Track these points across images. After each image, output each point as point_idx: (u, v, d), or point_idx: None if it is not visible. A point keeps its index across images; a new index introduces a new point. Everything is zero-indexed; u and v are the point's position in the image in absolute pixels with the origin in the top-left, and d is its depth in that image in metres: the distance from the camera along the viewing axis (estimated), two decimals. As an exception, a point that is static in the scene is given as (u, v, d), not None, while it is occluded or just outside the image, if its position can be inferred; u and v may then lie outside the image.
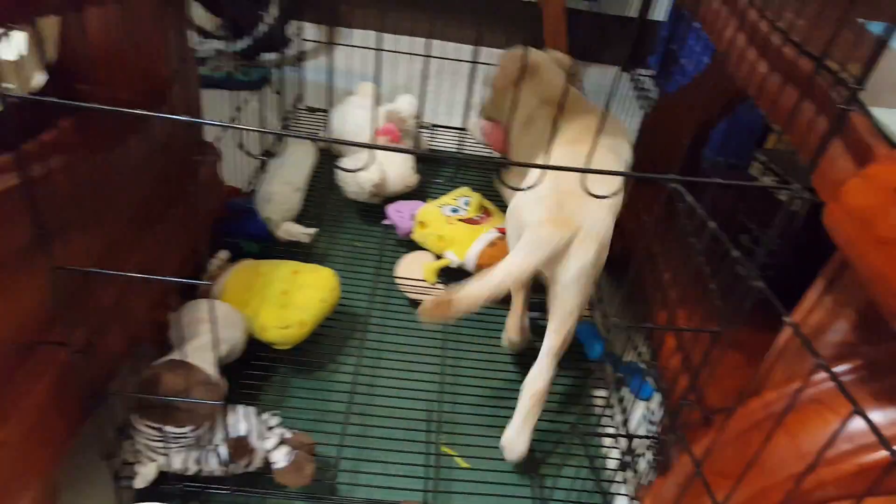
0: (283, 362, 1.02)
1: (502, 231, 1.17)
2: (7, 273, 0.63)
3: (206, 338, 0.86)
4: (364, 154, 1.31)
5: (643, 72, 1.95)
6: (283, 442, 0.81)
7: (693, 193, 0.62)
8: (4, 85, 0.98)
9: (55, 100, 0.55)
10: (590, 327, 1.05)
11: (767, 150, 1.02)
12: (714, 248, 1.13)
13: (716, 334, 0.61)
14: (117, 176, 0.80)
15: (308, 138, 0.98)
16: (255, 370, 0.98)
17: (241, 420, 0.81)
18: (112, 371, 0.79)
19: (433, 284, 1.16)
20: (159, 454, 0.76)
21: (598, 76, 1.51)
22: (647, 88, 1.91)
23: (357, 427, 0.94)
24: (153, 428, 0.74)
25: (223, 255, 1.06)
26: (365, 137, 1.36)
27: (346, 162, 1.28)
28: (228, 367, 0.94)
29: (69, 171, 0.72)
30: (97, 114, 0.81)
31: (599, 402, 1.03)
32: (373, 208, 1.35)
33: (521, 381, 1.02)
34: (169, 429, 0.73)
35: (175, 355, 0.81)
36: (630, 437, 0.75)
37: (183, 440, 0.75)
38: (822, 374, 0.50)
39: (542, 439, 0.95)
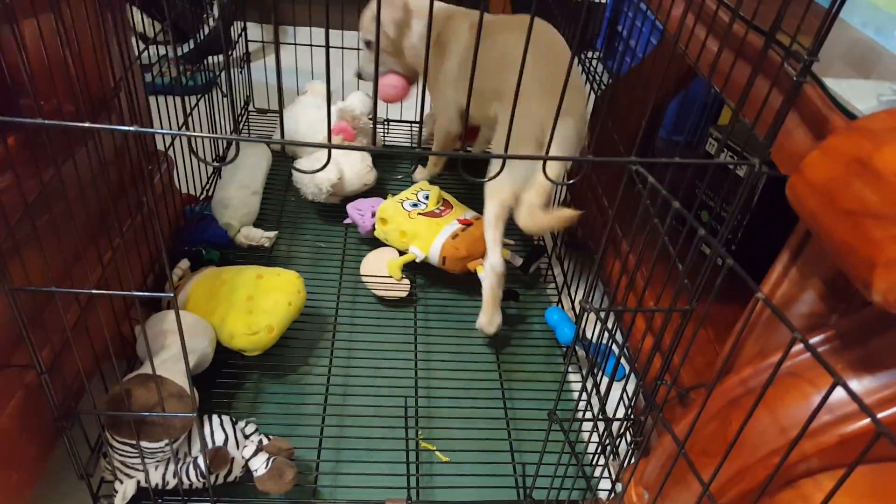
0: (254, 369, 1.00)
1: (463, 223, 1.17)
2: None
3: (174, 349, 0.84)
4: (320, 154, 1.29)
5: (590, 54, 1.99)
6: (261, 449, 0.80)
7: (653, 173, 0.64)
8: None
9: (7, 118, 0.52)
10: (560, 312, 1.07)
11: (721, 127, 1.06)
12: (677, 227, 1.17)
13: (686, 313, 0.63)
14: (68, 190, 0.77)
15: (266, 141, 0.96)
16: (226, 378, 0.96)
17: (217, 429, 0.79)
18: (80, 389, 0.76)
19: (399, 280, 1.15)
20: (137, 470, 0.74)
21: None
22: (595, 71, 1.95)
23: (334, 429, 0.93)
24: (128, 444, 0.71)
25: (184, 264, 1.04)
26: (319, 137, 1.34)
27: (302, 163, 1.26)
28: (199, 378, 0.92)
29: (18, 190, 0.68)
30: (44, 128, 0.78)
31: (575, 386, 1.06)
32: (332, 208, 1.34)
33: (493, 373, 1.04)
34: (144, 444, 0.71)
35: (144, 369, 0.78)
36: (608, 419, 0.77)
37: (160, 454, 0.73)
38: (797, 347, 0.52)
39: (521, 427, 0.96)
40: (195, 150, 0.53)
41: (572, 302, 1.13)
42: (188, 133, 0.52)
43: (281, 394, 0.97)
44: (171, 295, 0.59)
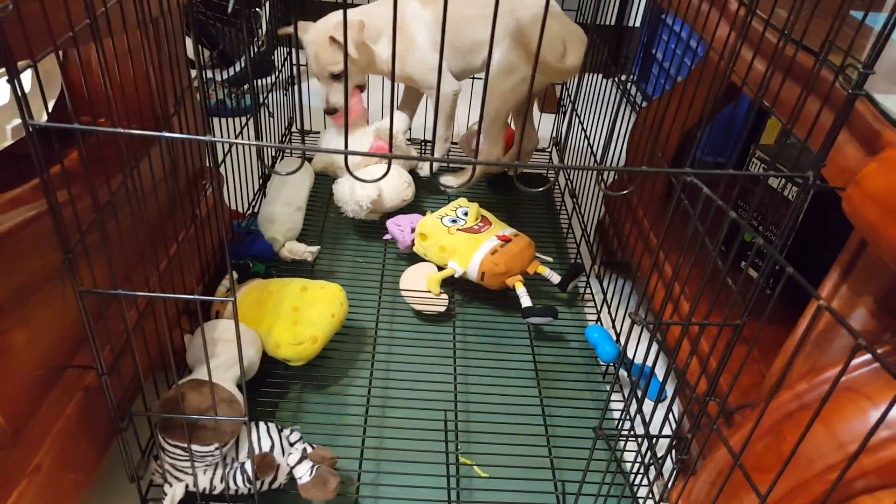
0: (297, 379, 1.02)
1: (502, 239, 1.19)
2: (36, 299, 0.63)
3: (223, 357, 0.86)
4: (361, 174, 1.32)
5: (625, 77, 2.01)
6: (305, 457, 0.81)
7: (692, 196, 0.64)
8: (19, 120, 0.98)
9: (83, 127, 0.56)
10: (600, 330, 1.07)
11: (765, 146, 1.06)
12: (720, 247, 1.17)
13: (736, 328, 0.63)
14: (131, 201, 0.81)
15: (328, 151, 0.99)
16: (270, 387, 0.99)
17: (264, 436, 0.81)
18: (135, 393, 0.79)
19: (437, 295, 1.17)
20: (186, 474, 0.76)
21: (581, 84, 1.56)
22: (632, 93, 1.97)
23: (375, 440, 0.94)
24: (179, 447, 0.73)
25: (231, 276, 1.07)
26: (356, 157, 1.37)
27: (339, 184, 1.30)
28: (243, 388, 0.94)
29: (88, 198, 0.72)
30: (105, 143, 0.82)
31: (615, 405, 1.05)
32: (371, 225, 1.37)
33: (533, 389, 1.04)
34: (195, 447, 0.73)
35: (196, 375, 0.81)
36: (653, 437, 0.76)
37: (209, 458, 0.75)
38: (854, 362, 0.52)
39: (561, 444, 0.96)
40: (263, 158, 0.56)
41: (613, 320, 1.13)
42: (245, 142, 0.55)
43: (322, 404, 0.98)
44: (232, 299, 0.62)
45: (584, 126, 1.41)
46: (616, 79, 1.83)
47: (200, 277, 1.03)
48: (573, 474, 0.91)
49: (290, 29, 1.31)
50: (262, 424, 0.82)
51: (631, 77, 2.14)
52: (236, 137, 1.23)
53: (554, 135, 1.67)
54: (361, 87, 1.39)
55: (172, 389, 0.75)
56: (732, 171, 0.52)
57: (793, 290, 0.58)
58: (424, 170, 1.48)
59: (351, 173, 0.60)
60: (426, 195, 1.47)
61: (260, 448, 0.79)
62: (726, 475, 0.55)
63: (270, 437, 0.81)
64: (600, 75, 1.57)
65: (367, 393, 1.00)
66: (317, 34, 1.25)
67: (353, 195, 1.28)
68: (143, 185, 0.84)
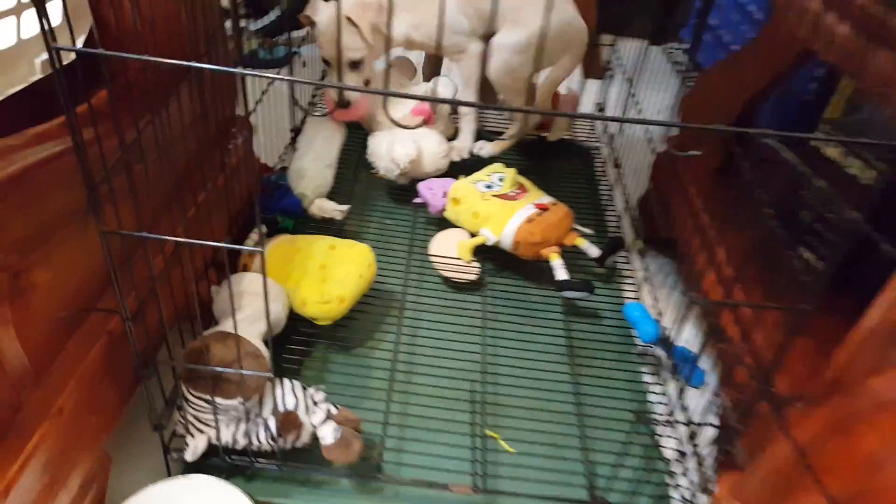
0: (322, 338, 0.99)
1: (539, 207, 1.14)
2: (60, 239, 0.61)
3: (250, 311, 0.84)
4: (399, 131, 1.28)
5: (675, 45, 1.91)
6: (329, 417, 0.79)
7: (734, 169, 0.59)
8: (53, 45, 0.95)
9: (118, 54, 0.52)
10: (641, 308, 1.02)
11: (834, 121, 0.99)
12: (776, 224, 1.10)
13: (800, 313, 0.58)
14: (160, 143, 0.78)
15: (366, 91, 0.95)
16: (296, 345, 0.96)
17: (289, 393, 0.78)
18: (160, 341, 0.77)
19: (468, 262, 1.13)
20: (209, 426, 0.74)
21: (629, 50, 1.49)
22: (681, 62, 1.88)
23: (399, 405, 0.91)
24: (203, 399, 0.71)
25: (259, 230, 1.04)
26: (398, 116, 1.33)
27: (377, 139, 1.25)
28: (269, 343, 0.91)
29: (115, 137, 0.69)
30: (134, 83, 0.78)
31: (654, 388, 1.01)
32: (402, 188, 1.32)
33: (564, 366, 1.00)
34: (219, 400, 0.71)
35: (221, 327, 0.78)
36: (699, 424, 0.72)
37: (232, 412, 0.73)
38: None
39: (592, 425, 0.92)
40: (296, 99, 0.52)
41: (655, 299, 1.08)
42: (288, 79, 0.51)
43: (348, 366, 0.96)
44: (261, 250, 0.58)
45: (633, 91, 1.34)
46: (665, 46, 1.74)
47: (228, 228, 1.00)
48: (605, 457, 0.88)
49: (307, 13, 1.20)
50: (286, 381, 0.80)
51: (682, 45, 2.04)
52: (267, 87, 1.19)
53: (598, 101, 1.60)
54: (367, 81, 1.29)
55: (198, 340, 0.73)
56: (818, 136, 0.47)
57: (847, 277, 0.53)
58: (485, 149, 1.40)
59: (392, 120, 0.55)
60: (461, 162, 1.42)
61: (284, 405, 0.77)
62: (785, 473, 0.51)
63: (295, 394, 0.78)
64: (647, 42, 1.50)
65: (393, 358, 0.97)
66: (332, 17, 1.15)
67: (390, 151, 1.23)
68: (172, 128, 0.81)
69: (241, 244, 1.02)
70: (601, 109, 1.59)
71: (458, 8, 1.24)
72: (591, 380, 0.99)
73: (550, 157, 1.47)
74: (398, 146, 1.22)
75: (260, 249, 0.58)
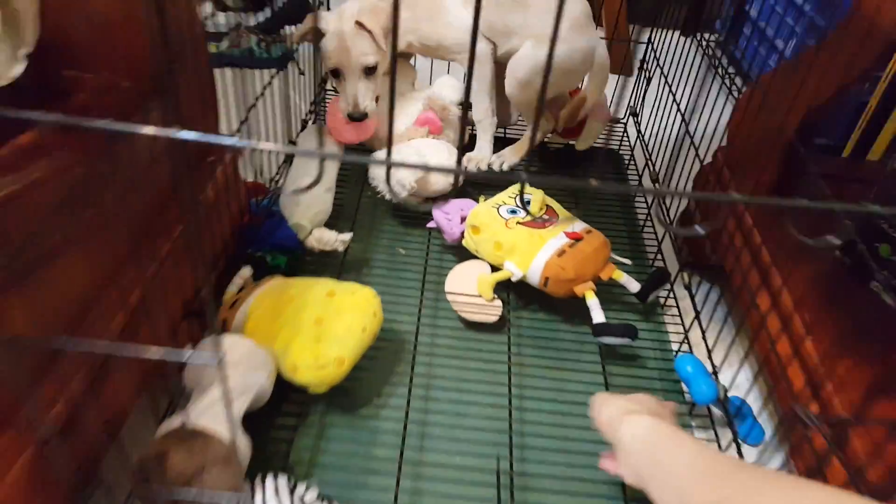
0: (317, 403, 0.85)
1: (572, 237, 0.98)
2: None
3: (229, 385, 0.69)
4: (404, 148, 1.12)
5: (709, 37, 1.72)
6: (324, 524, 0.64)
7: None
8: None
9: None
10: (695, 362, 0.86)
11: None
12: (842, 259, 0.93)
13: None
14: (113, 184, 0.63)
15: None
16: (282, 416, 0.81)
17: (272, 499, 0.64)
18: (118, 425, 0.62)
19: (490, 301, 0.97)
20: (169, 550, 0.60)
21: (660, 44, 1.31)
22: (717, 56, 1.69)
23: (411, 483, 0.77)
24: (160, 520, 0.57)
25: (245, 272, 0.89)
26: (402, 129, 1.17)
27: (379, 157, 1.09)
28: (253, 417, 0.77)
29: (54, 182, 0.54)
30: (83, 108, 0.63)
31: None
32: (412, 212, 1.17)
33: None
34: (180, 523, 0.56)
35: (188, 414, 0.64)
36: None
37: (199, 534, 0.59)
38: None
39: (643, 498, 0.77)
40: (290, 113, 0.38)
41: (707, 347, 0.91)
42: (252, 144, 0.35)
43: (347, 442, 0.81)
44: (215, 362, 0.43)
45: (672, 88, 1.16)
46: (699, 39, 1.57)
47: (208, 272, 0.85)
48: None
49: (309, 24, 1.09)
50: (269, 482, 0.65)
51: (717, 38, 1.85)
52: (258, 97, 1.03)
53: (632, 103, 1.43)
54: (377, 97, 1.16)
55: (152, 446, 0.58)
56: None
57: None
58: (507, 160, 1.25)
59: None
60: (479, 178, 1.25)
61: (265, 515, 0.62)
62: None
63: (279, 500, 0.64)
64: (678, 33, 1.31)
65: (403, 427, 0.82)
66: (344, 22, 1.03)
67: (393, 173, 1.08)
68: (129, 165, 0.66)
69: (225, 288, 0.88)
70: (635, 114, 1.41)
71: (463, 2, 1.10)
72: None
73: (579, 169, 1.30)
74: (402, 167, 1.05)
75: (213, 361, 0.43)
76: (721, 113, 1.03)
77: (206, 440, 0.61)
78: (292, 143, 1.17)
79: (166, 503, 0.54)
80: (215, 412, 0.66)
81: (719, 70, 1.17)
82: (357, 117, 1.07)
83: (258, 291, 0.84)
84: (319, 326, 0.80)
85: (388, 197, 1.11)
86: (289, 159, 1.15)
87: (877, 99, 1.13)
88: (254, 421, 0.74)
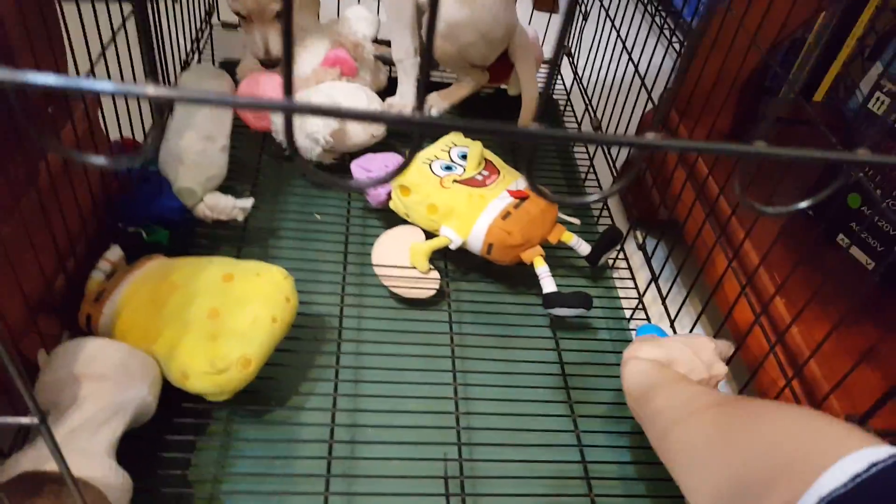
0: (221, 408, 0.69)
1: (515, 195, 0.85)
2: None
3: (93, 407, 0.52)
4: (311, 94, 0.94)
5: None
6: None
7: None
8: None
9: None
10: (657, 331, 0.76)
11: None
12: (806, 217, 0.87)
13: None
14: None
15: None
16: (177, 434, 0.65)
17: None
18: None
19: (426, 273, 0.84)
20: None
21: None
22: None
23: (342, 498, 0.63)
24: None
25: (114, 254, 0.70)
26: (305, 69, 0.98)
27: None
28: (136, 434, 0.60)
29: None
30: None
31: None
32: (327, 168, 1.00)
33: (563, 406, 0.73)
34: None
35: (36, 449, 0.47)
36: None
37: None
38: None
39: (605, 491, 0.68)
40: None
41: (669, 316, 0.82)
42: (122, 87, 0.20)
43: (262, 454, 0.66)
44: (37, 421, 0.27)
45: (617, 27, 1.04)
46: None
47: (64, 258, 0.66)
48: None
49: None
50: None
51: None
52: (114, 35, 0.81)
53: (566, 43, 1.30)
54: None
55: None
56: None
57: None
58: (435, 105, 1.10)
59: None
60: (403, 129, 1.09)
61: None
62: None
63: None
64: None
65: (330, 434, 0.68)
66: None
67: (302, 125, 0.90)
68: None
69: (87, 275, 0.69)
70: (570, 55, 1.29)
71: None
72: (595, 422, 0.74)
73: (511, 117, 1.16)
74: (312, 119, 0.88)
75: (36, 421, 0.26)
76: (662, 57, 0.92)
77: (58, 491, 0.44)
78: (171, 84, 0.96)
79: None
80: (78, 444, 0.49)
81: (649, 8, 1.07)
82: (270, 63, 0.95)
83: (132, 278, 0.66)
84: (215, 320, 0.63)
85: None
86: (167, 109, 0.94)
87: (814, 37, 1.07)
88: (136, 442, 0.57)
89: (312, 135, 0.89)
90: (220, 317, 0.63)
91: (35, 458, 0.48)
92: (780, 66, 1.01)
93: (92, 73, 0.65)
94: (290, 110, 0.19)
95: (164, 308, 0.63)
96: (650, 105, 0.96)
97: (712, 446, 0.46)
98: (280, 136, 0.93)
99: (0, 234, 0.55)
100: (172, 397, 0.63)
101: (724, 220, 0.82)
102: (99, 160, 0.19)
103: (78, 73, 0.69)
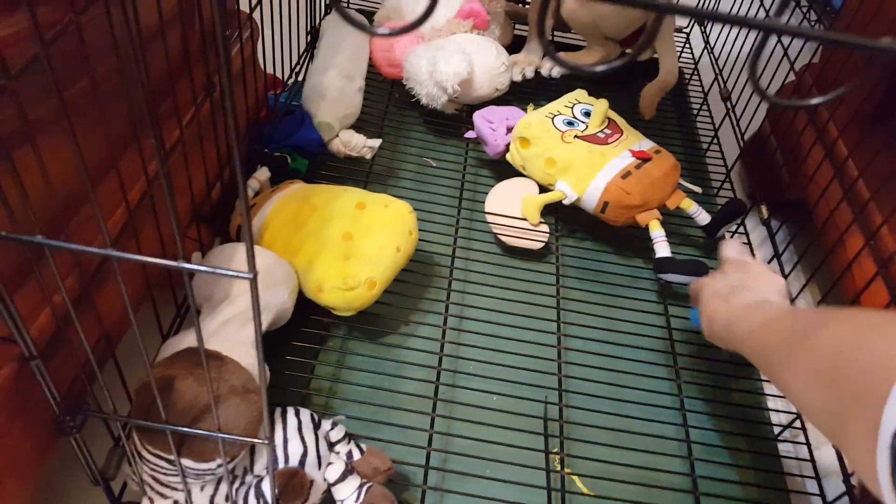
0: (341, 326, 0.75)
1: (638, 155, 0.85)
2: None
3: (242, 303, 0.59)
4: (445, 44, 0.97)
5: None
6: (350, 471, 0.55)
7: None
8: None
9: None
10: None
11: None
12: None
13: None
14: (109, 51, 0.50)
15: None
16: (302, 342, 0.72)
17: (294, 438, 0.54)
18: (114, 342, 0.52)
19: (536, 225, 0.86)
20: (175, 490, 0.51)
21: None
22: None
23: (445, 429, 0.68)
24: (164, 458, 0.47)
25: (263, 174, 0.77)
26: (440, 20, 1.01)
27: (414, 56, 0.94)
28: (271, 338, 0.67)
29: (29, 41, 0.41)
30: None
31: (777, 418, 0.76)
32: (449, 118, 1.03)
33: (667, 370, 0.74)
34: (188, 463, 0.47)
35: (202, 328, 0.54)
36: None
37: (208, 476, 0.49)
38: None
39: (708, 457, 0.68)
40: None
41: (791, 301, 0.80)
42: None
43: (376, 373, 0.71)
44: (251, 276, 0.32)
45: None
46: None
47: (219, 174, 0.73)
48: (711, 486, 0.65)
49: None
50: (290, 415, 0.56)
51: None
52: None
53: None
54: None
55: (158, 366, 0.48)
56: None
57: None
58: (557, 66, 1.10)
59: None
60: (526, 84, 1.10)
61: (286, 457, 0.53)
62: None
63: (303, 438, 0.54)
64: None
65: (438, 363, 0.73)
66: None
67: (433, 71, 0.93)
68: (130, 30, 0.52)
69: (237, 191, 0.76)
70: (702, 22, 1.24)
71: None
72: (703, 390, 0.74)
73: (635, 84, 1.14)
74: (442, 63, 0.91)
75: (249, 275, 0.32)
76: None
77: (220, 365, 0.51)
78: (316, 29, 1.01)
79: (172, 438, 0.45)
80: (228, 333, 0.56)
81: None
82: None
83: (277, 197, 0.72)
84: (348, 242, 0.68)
85: (423, 101, 0.97)
86: (311, 47, 1.00)
87: None
88: (268, 348, 0.64)
89: (441, 83, 0.92)
90: (353, 240, 0.68)
91: (196, 339, 0.55)
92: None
93: (259, 4, 0.71)
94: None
95: (305, 226, 0.69)
96: (791, 76, 0.92)
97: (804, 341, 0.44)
98: (410, 83, 0.97)
99: (170, 141, 0.62)
100: (301, 310, 0.70)
101: (861, 204, 0.78)
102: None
103: None
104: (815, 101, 0.22)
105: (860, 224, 0.77)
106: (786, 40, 0.89)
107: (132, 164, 0.54)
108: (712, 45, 1.19)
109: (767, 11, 0.96)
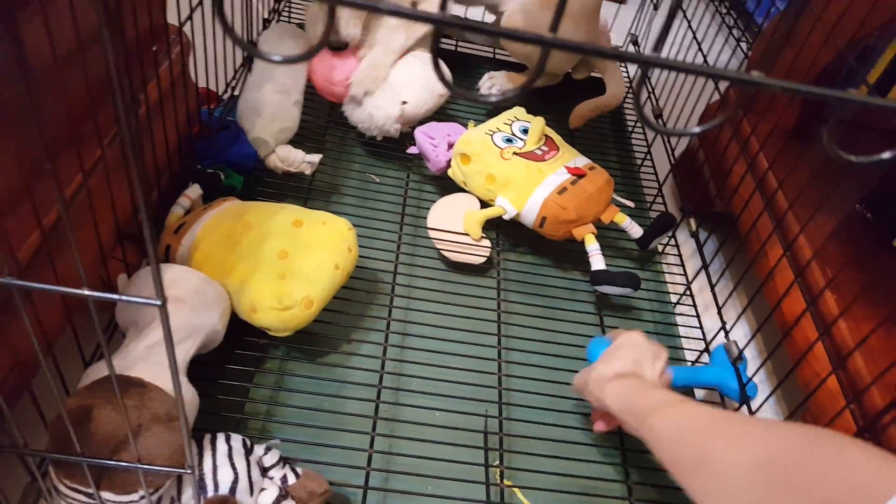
0: (278, 347, 0.73)
1: (574, 172, 0.87)
2: None
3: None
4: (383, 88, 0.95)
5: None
6: (284, 496, 0.54)
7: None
8: None
9: None
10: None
11: None
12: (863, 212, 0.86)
13: None
14: (25, 72, 0.48)
15: None
16: (239, 365, 0.70)
17: (224, 466, 0.53)
18: (30, 372, 0.49)
19: (477, 240, 0.87)
20: (94, 527, 0.48)
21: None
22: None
23: (385, 442, 0.67)
24: (83, 493, 0.45)
25: (194, 191, 0.75)
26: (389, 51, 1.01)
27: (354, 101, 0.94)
28: (202, 361, 0.65)
29: None
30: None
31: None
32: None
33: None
34: (108, 497, 0.45)
35: (122, 358, 0.52)
36: None
37: (132, 509, 0.47)
38: None
39: (641, 462, 0.70)
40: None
41: (717, 304, 0.83)
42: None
43: (313, 393, 0.70)
44: (159, 303, 0.31)
45: (687, 16, 1.04)
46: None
47: (148, 188, 0.71)
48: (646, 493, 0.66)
49: None
50: (220, 441, 0.54)
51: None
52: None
53: (632, 30, 1.30)
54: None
55: (73, 399, 0.46)
56: None
57: None
58: (497, 84, 1.12)
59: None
60: (465, 101, 1.11)
61: (216, 484, 0.51)
62: None
63: (233, 464, 0.53)
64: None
65: (379, 381, 0.72)
66: None
67: (370, 117, 0.93)
68: (48, 52, 0.50)
69: (168, 210, 0.74)
70: (636, 43, 1.28)
71: None
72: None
73: (571, 101, 1.17)
74: (375, 112, 0.91)
75: (156, 302, 0.30)
76: (730, 57, 0.92)
77: (143, 392, 0.49)
78: (252, 42, 1.00)
79: (90, 471, 0.43)
80: (155, 358, 0.54)
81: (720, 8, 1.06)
82: (338, 46, 0.91)
83: (210, 215, 0.71)
84: (284, 261, 0.67)
85: (371, 134, 0.96)
86: (247, 64, 0.99)
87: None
88: (201, 368, 0.62)
89: (384, 129, 0.93)
90: (289, 258, 0.67)
91: (119, 366, 0.53)
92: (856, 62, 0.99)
93: (190, 19, 0.69)
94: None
95: (239, 245, 0.67)
96: (716, 96, 0.96)
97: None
98: (352, 119, 0.96)
99: (89, 163, 0.60)
100: (235, 333, 0.68)
101: (780, 214, 0.82)
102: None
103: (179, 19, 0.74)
104: (695, 129, 0.23)
105: (779, 233, 0.81)
106: (711, 60, 0.93)
107: (49, 188, 0.52)
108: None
109: (695, 34, 1.01)
